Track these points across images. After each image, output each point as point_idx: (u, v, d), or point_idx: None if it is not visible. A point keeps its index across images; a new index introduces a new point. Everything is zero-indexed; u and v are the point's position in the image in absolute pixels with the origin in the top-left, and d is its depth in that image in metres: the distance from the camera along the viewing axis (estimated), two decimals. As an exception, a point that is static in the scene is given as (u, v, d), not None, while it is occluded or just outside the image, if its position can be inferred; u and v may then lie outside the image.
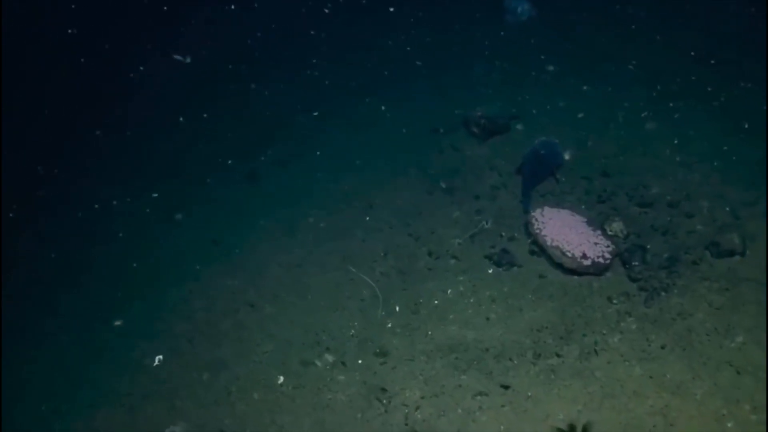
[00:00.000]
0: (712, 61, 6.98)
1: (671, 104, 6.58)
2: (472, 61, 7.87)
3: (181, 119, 7.71)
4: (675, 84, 6.82)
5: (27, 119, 7.50)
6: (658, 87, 6.81)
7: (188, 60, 7.18)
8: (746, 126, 6.09)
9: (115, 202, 6.68)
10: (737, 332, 4.32)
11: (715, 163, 5.83)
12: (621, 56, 7.41)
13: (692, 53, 7.17)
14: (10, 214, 6.55)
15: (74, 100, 7.90)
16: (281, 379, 4.72)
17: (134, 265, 5.98)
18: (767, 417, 3.39)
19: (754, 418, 3.75)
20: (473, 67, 7.82)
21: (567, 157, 6.29)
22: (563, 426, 3.91)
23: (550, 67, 7.51)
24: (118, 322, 5.34)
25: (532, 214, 5.53)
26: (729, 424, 3.75)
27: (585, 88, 7.12)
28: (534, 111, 7.07)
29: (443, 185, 6.38)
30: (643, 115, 6.61)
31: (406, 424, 4.23)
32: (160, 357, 4.98)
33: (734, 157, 5.83)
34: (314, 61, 8.38)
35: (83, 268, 5.98)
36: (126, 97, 7.90)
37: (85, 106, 7.91)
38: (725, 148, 5.95)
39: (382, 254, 5.75)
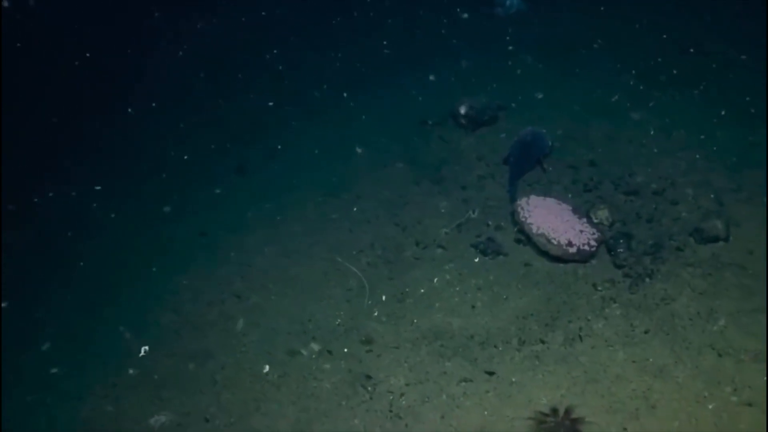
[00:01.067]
0: (698, 51, 7.02)
1: (657, 94, 6.63)
2: (460, 53, 7.90)
3: (169, 114, 7.71)
4: (661, 73, 6.86)
5: (22, 116, 7.48)
6: (645, 77, 6.85)
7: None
8: (731, 114, 6.14)
9: (103, 195, 6.68)
10: (719, 316, 4.35)
11: (701, 151, 5.88)
12: (608, 47, 7.45)
13: (678, 43, 7.21)
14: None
15: (64, 95, 7.89)
16: (267, 368, 4.73)
17: (122, 257, 5.97)
18: None
19: (734, 399, 3.79)
20: (461, 59, 7.84)
21: (554, 146, 6.32)
22: (546, 410, 3.93)
23: (537, 58, 7.54)
24: (104, 314, 5.33)
25: (518, 202, 5.55)
26: (710, 406, 3.78)
27: (572, 78, 7.15)
28: (522, 102, 7.10)
29: (430, 176, 6.40)
30: (629, 104, 6.65)
31: (391, 411, 4.25)
32: (146, 348, 4.98)
33: (719, 145, 5.87)
34: (299, 56, 8.39)
35: (71, 260, 5.97)
36: (115, 92, 7.88)
37: (74, 100, 7.91)
38: (710, 136, 5.99)
39: (369, 244, 5.76)
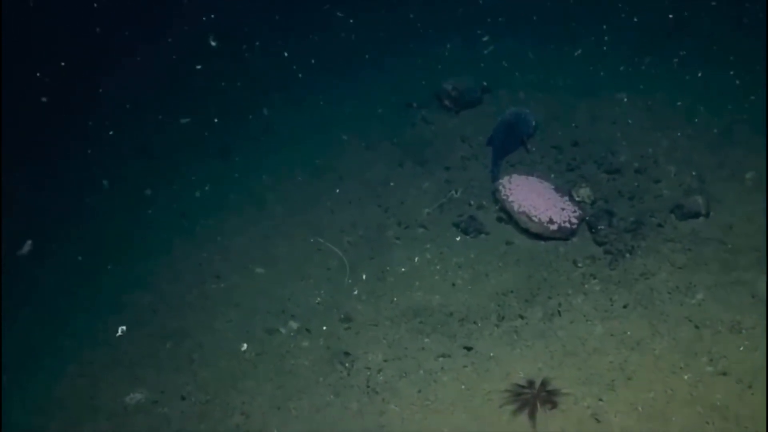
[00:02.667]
0: (684, 32, 7.03)
1: (642, 73, 6.63)
2: (445, 34, 7.89)
3: (153, 97, 7.68)
4: (647, 54, 6.86)
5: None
6: (631, 58, 6.85)
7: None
8: (715, 94, 6.14)
9: (82, 178, 6.65)
10: (698, 290, 4.36)
11: (683, 130, 5.89)
12: (594, 27, 7.45)
13: (665, 23, 7.21)
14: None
15: (45, 80, 7.84)
16: (245, 346, 4.72)
17: (101, 239, 5.95)
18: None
19: (710, 369, 3.80)
20: (447, 40, 7.84)
21: (537, 127, 6.32)
22: (522, 382, 3.94)
23: (522, 39, 7.53)
24: (81, 294, 5.32)
25: (500, 181, 5.55)
26: (686, 377, 3.79)
27: (557, 59, 7.15)
28: (506, 83, 7.10)
29: (414, 157, 6.40)
30: (614, 84, 6.65)
31: (368, 386, 4.25)
32: (124, 328, 4.97)
33: (702, 123, 5.88)
34: (282, 40, 8.36)
35: (49, 242, 5.95)
36: (98, 72, 7.83)
37: (55, 84, 7.86)
38: (694, 114, 6.00)
39: (351, 225, 5.77)
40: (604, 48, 7.23)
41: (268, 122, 7.38)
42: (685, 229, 4.91)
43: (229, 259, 5.61)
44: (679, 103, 6.18)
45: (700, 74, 6.44)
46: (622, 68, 6.78)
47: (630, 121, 6.17)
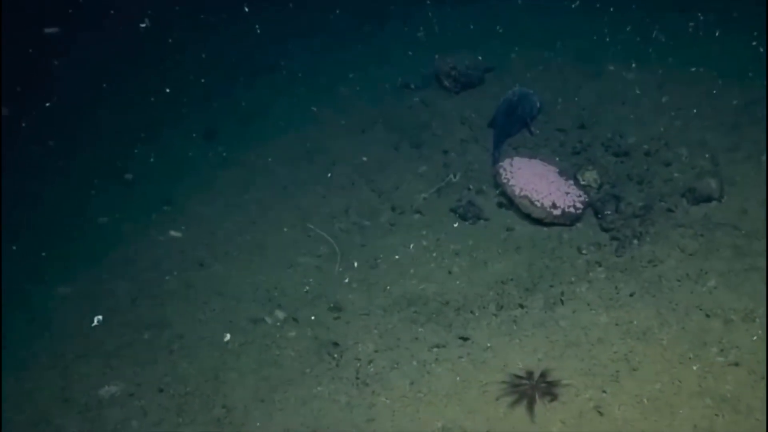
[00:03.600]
0: (696, 9, 6.95)
1: (652, 52, 6.56)
2: (444, 11, 7.83)
3: (133, 75, 7.64)
4: (657, 32, 6.79)
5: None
6: (640, 35, 6.79)
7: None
8: (730, 72, 6.07)
9: (59, 160, 6.62)
10: (709, 277, 4.31)
11: (697, 110, 5.82)
12: (601, 4, 7.39)
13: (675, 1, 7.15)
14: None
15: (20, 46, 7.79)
16: (227, 336, 4.69)
17: (79, 224, 5.93)
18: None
19: (720, 360, 3.75)
20: (445, 17, 7.78)
21: (542, 108, 6.26)
22: (521, 373, 3.89)
23: (527, 15, 7.47)
24: (55, 282, 5.28)
25: (501, 164, 5.50)
26: (694, 367, 3.74)
27: (564, 37, 7.09)
28: (510, 62, 7.05)
29: (410, 140, 6.36)
30: (623, 63, 6.59)
31: (357, 378, 4.21)
32: (99, 317, 4.94)
33: (716, 103, 5.82)
34: (273, 15, 8.32)
35: (24, 228, 5.92)
36: (73, 46, 7.79)
37: (33, 65, 7.82)
38: (708, 93, 5.94)
39: (342, 210, 5.73)
40: (612, 26, 7.16)
41: (257, 104, 7.35)
42: (697, 213, 4.86)
43: (213, 245, 5.57)
44: (693, 77, 6.11)
45: (717, 42, 6.36)
46: (636, 41, 6.69)
47: (640, 101, 6.11)
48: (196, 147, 6.88)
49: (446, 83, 6.88)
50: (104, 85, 7.51)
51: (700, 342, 3.89)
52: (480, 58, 6.93)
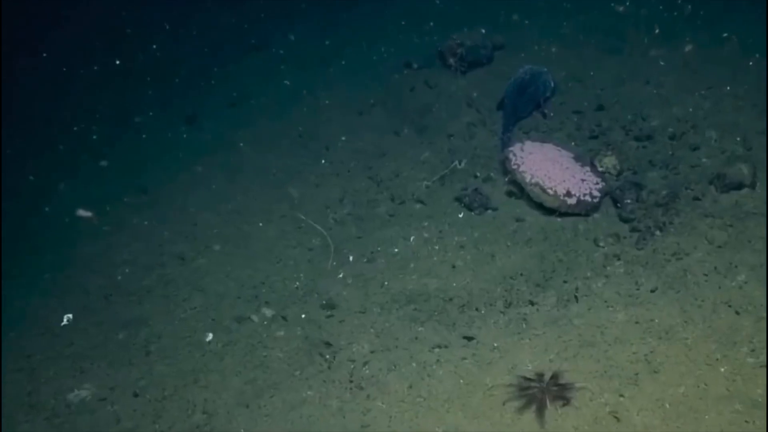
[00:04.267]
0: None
1: (679, 25, 6.51)
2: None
3: (108, 53, 7.63)
4: (684, 1, 6.74)
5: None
6: (665, 5, 6.73)
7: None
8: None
9: (28, 147, 6.62)
10: (739, 271, 4.26)
11: (728, 89, 5.77)
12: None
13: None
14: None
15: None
16: (210, 336, 4.66)
17: (48, 214, 5.92)
18: None
19: (751, 361, 3.69)
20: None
21: (556, 88, 6.22)
22: (530, 375, 3.85)
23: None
24: (21, 278, 5.27)
25: (510, 148, 5.46)
26: (722, 369, 3.69)
27: (580, 10, 7.04)
28: (522, 38, 7.01)
29: (412, 124, 6.33)
30: (646, 39, 6.54)
31: (351, 381, 4.17)
32: (70, 316, 4.92)
33: (750, 81, 5.76)
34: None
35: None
36: (52, 25, 7.80)
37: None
38: (741, 71, 5.89)
39: (337, 200, 5.72)
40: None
41: (244, 86, 7.34)
42: (727, 202, 4.81)
43: (195, 238, 5.56)
44: (725, 53, 6.05)
45: (752, 13, 6.29)
46: (663, 20, 6.63)
47: (665, 80, 6.06)
48: (177, 132, 6.89)
49: (451, 62, 6.85)
50: (78, 67, 7.49)
51: (729, 341, 3.84)
52: (487, 33, 6.90)
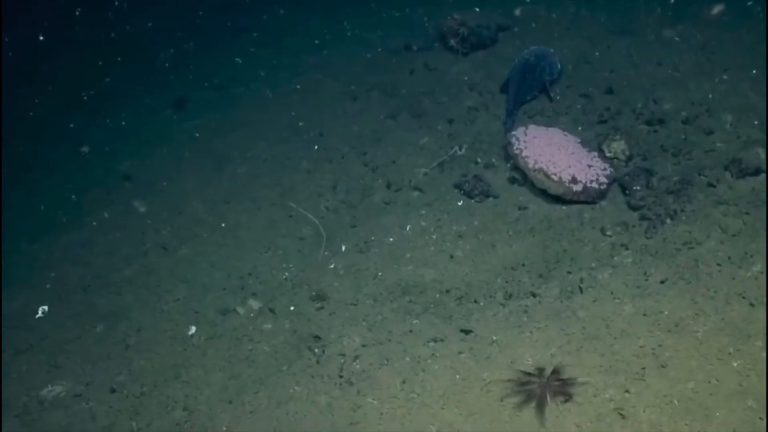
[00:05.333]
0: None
1: (695, 2, 6.43)
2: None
3: (91, 33, 7.60)
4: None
5: None
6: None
7: None
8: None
9: (5, 129, 6.58)
10: (754, 260, 4.18)
11: (747, 71, 5.68)
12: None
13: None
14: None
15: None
16: (192, 329, 4.62)
17: (26, 200, 5.88)
18: None
19: (765, 355, 3.62)
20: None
21: (563, 69, 6.14)
22: (530, 370, 3.79)
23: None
24: (-3, 268, 5.25)
25: (513, 133, 5.38)
26: (735, 364, 3.62)
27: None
28: (528, 18, 6.94)
29: (411, 108, 6.26)
30: (660, 17, 6.46)
31: (341, 376, 4.12)
32: (45, 308, 4.89)
33: (769, 63, 5.68)
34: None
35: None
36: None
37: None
38: (761, 52, 5.79)
39: (330, 188, 5.65)
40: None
41: (234, 69, 7.29)
42: (743, 188, 4.73)
43: (179, 226, 5.51)
44: (744, 33, 5.97)
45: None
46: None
47: (679, 62, 5.98)
48: (163, 117, 6.84)
49: (453, 43, 6.78)
50: (59, 46, 7.46)
51: (743, 335, 3.77)
52: (492, 13, 6.83)
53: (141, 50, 7.73)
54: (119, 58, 7.65)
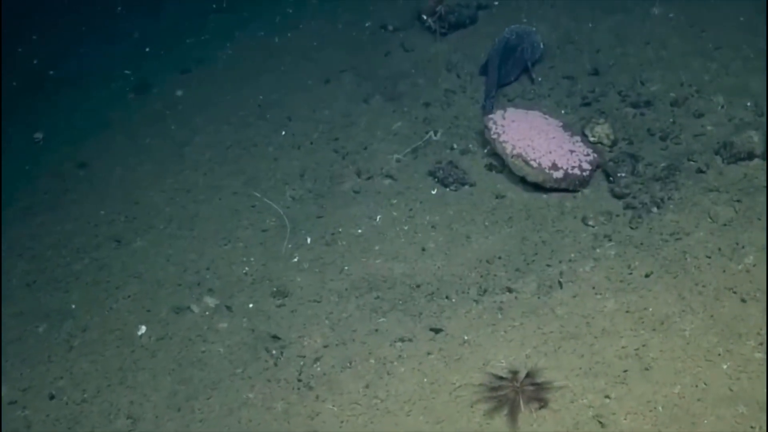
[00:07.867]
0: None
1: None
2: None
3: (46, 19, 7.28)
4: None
5: None
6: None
7: None
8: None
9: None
10: (746, 252, 3.95)
11: (739, 50, 5.43)
12: None
13: None
14: None
15: None
16: (142, 329, 4.34)
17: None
18: None
19: (758, 356, 3.39)
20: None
21: (546, 50, 5.88)
22: (502, 373, 3.52)
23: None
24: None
25: (490, 116, 5.10)
26: (724, 366, 3.38)
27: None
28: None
29: (384, 91, 5.98)
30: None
31: (299, 380, 3.85)
32: (-17, 306, 4.59)
33: (763, 42, 5.41)
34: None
35: None
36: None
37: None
38: (754, 30, 5.55)
39: (297, 175, 5.39)
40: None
41: (200, 50, 6.99)
42: (734, 174, 4.50)
43: (134, 217, 5.22)
44: (736, 10, 5.72)
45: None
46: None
47: (668, 41, 5.72)
48: (124, 101, 6.53)
49: (431, 23, 6.49)
50: (34, 36, 7.17)
51: (733, 334, 3.55)
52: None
53: (104, 31, 7.41)
54: (81, 39, 7.34)
